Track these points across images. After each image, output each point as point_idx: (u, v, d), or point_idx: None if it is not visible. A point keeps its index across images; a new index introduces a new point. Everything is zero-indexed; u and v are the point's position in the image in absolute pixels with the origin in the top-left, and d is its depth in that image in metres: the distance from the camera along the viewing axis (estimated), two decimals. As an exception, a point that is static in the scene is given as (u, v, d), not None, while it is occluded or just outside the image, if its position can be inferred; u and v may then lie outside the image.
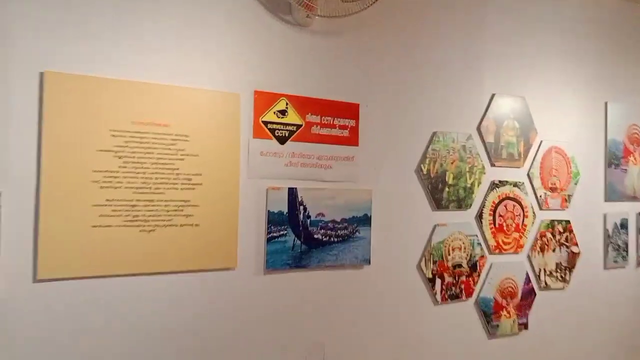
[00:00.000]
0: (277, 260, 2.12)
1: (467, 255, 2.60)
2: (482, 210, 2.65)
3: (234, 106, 2.05)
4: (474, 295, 2.63)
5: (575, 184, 3.00)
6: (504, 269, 2.72)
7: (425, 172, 2.47)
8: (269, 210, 2.10)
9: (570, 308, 2.99)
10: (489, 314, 2.67)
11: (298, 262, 2.17)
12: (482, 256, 2.65)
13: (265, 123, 2.11)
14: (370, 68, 2.34)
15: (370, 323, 2.35)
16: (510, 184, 2.75)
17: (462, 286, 2.59)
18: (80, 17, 1.78)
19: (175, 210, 1.94)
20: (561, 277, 2.94)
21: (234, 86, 2.05)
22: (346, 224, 2.28)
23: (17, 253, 1.69)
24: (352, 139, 2.31)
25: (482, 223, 2.65)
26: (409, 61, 2.45)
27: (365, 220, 2.32)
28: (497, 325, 2.70)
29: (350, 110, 2.31)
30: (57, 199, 1.74)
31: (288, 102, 2.15)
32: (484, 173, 2.66)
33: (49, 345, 1.74)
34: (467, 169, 2.60)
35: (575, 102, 3.02)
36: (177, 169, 1.93)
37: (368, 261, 2.33)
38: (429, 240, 2.50)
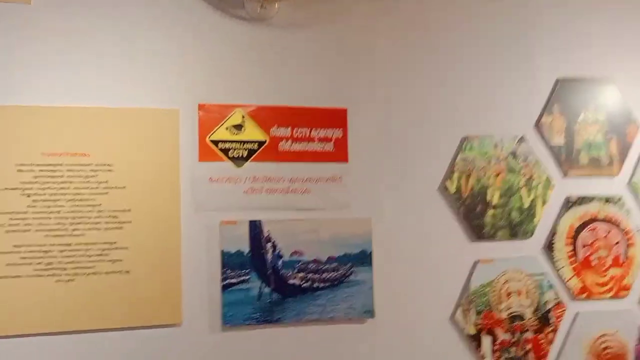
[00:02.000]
0: (238, 313, 1.66)
1: (533, 302, 1.85)
2: (552, 238, 1.90)
3: (171, 125, 1.68)
4: (550, 358, 1.86)
5: None
6: (598, 321, 1.90)
7: (453, 191, 1.83)
8: (223, 251, 1.67)
9: None
10: (577, 387, 1.86)
11: (268, 315, 1.68)
12: (559, 303, 1.87)
13: (216, 142, 1.70)
14: (359, 61, 1.82)
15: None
16: (600, 200, 1.94)
17: (529, 346, 1.83)
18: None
19: (99, 255, 1.59)
20: None
21: (172, 101, 1.68)
22: (335, 265, 1.74)
23: None
24: (338, 154, 1.79)
25: (554, 256, 1.89)
26: (418, 45, 1.87)
27: (364, 259, 1.75)
28: (595, 404, 1.87)
29: (335, 118, 1.80)
30: (-44, 247, 1.53)
31: (245, 115, 1.73)
32: (552, 187, 1.91)
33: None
34: (523, 183, 1.89)
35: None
36: (99, 204, 1.60)
37: (371, 313, 1.74)
38: (467, 282, 1.82)
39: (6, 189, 1.55)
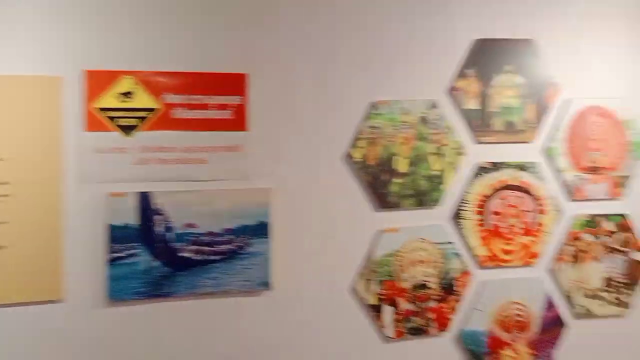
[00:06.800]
0: (125, 288, 1.61)
1: (438, 271, 1.84)
2: (460, 206, 1.86)
3: (53, 93, 1.57)
4: (452, 327, 1.86)
5: (638, 158, 2.02)
6: (504, 290, 1.89)
7: (359, 159, 1.77)
8: (110, 224, 1.61)
9: (634, 344, 2.02)
10: (479, 353, 1.86)
11: (157, 289, 1.64)
12: (465, 272, 1.86)
13: (105, 110, 1.62)
14: (261, 23, 1.71)
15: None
16: (513, 167, 1.90)
17: (432, 315, 1.83)
18: None
19: (-23, 230, 1.55)
20: (615, 298, 1.99)
21: (54, 68, 1.57)
22: (231, 237, 1.69)
23: None
24: (237, 122, 1.71)
25: (461, 225, 1.86)
26: (323, 5, 1.76)
27: (261, 230, 1.71)
28: (497, 370, 1.89)
29: (234, 84, 1.70)
30: None
31: (135, 81, 1.63)
32: (462, 154, 1.86)
33: None
34: (432, 150, 1.83)
35: (628, 38, 2.03)
36: (-25, 177, 1.54)
37: (267, 285, 1.71)
38: (370, 252, 1.79)
39: None
